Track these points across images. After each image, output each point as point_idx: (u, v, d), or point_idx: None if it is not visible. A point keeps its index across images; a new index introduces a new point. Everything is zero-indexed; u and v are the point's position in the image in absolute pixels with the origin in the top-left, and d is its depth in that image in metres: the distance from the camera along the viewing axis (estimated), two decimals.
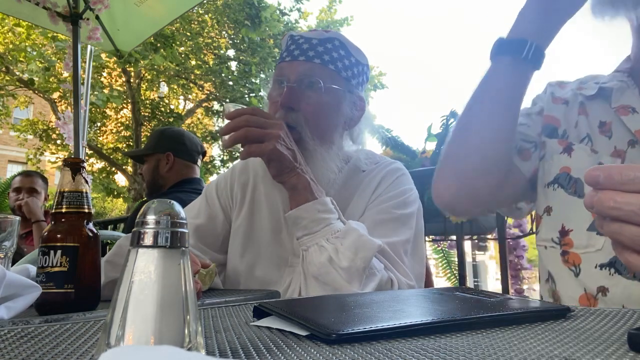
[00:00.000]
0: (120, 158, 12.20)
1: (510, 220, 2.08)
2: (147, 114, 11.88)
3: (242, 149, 0.95)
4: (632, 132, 0.80)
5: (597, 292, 0.76)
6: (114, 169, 12.08)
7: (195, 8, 9.94)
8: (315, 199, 0.95)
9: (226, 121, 0.95)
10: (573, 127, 0.87)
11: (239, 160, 1.15)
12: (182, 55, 11.28)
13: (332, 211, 0.95)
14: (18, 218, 0.79)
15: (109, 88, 10.92)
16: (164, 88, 13.50)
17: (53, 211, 0.68)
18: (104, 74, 11.36)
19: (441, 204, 0.91)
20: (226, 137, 0.93)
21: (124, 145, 12.34)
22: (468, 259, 2.40)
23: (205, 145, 13.29)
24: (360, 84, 1.14)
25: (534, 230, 0.89)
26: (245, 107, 0.97)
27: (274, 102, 1.07)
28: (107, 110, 12.15)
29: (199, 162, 2.33)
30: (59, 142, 11.26)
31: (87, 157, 7.34)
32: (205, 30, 11.71)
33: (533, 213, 0.97)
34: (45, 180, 3.09)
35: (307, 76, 1.05)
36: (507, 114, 0.82)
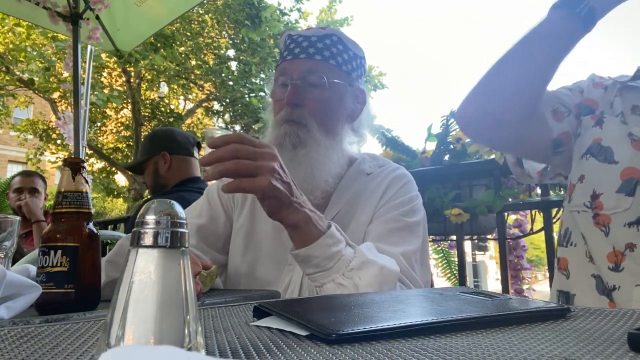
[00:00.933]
0: (120, 158, 12.20)
1: (510, 220, 2.08)
2: (147, 114, 11.87)
3: (225, 180, 0.82)
4: None
5: (625, 249, 0.84)
6: (114, 169, 12.08)
7: (195, 8, 9.93)
8: (321, 233, 0.87)
9: (207, 149, 0.83)
10: (609, 108, 0.95)
11: None
12: (182, 55, 11.28)
13: (341, 239, 0.89)
14: (18, 218, 0.79)
15: (109, 88, 10.91)
16: (164, 88, 13.50)
17: (53, 211, 0.68)
18: (104, 74, 11.35)
19: (463, 124, 1.01)
20: (209, 168, 0.80)
21: (124, 145, 12.34)
22: (468, 259, 2.39)
23: (204, 145, 13.26)
24: (359, 76, 1.16)
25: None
26: (230, 133, 0.86)
27: (278, 101, 1.09)
28: (107, 110, 12.15)
29: (197, 154, 2.33)
30: (59, 142, 11.26)
31: (87, 157, 7.34)
32: (206, 30, 11.71)
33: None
34: (44, 180, 3.10)
35: (309, 73, 1.07)
36: (548, 58, 0.89)
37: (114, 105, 11.22)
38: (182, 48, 11.31)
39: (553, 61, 0.90)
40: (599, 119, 0.94)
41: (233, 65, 12.03)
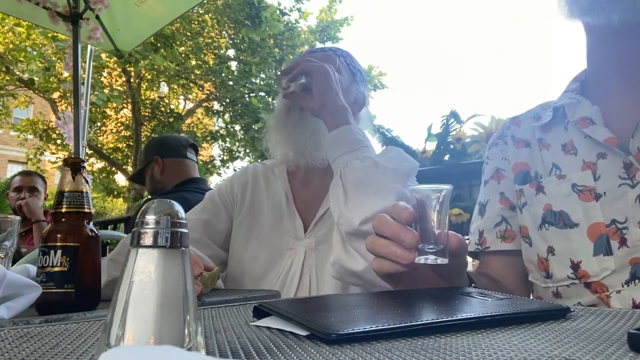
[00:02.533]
0: (120, 158, 12.20)
1: None
2: (147, 113, 11.88)
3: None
4: (600, 143, 0.79)
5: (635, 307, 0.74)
6: (114, 168, 12.08)
7: (196, 8, 9.92)
8: (352, 123, 1.02)
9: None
10: (540, 164, 0.88)
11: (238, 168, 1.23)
12: (182, 55, 11.28)
13: (368, 140, 1.02)
14: (18, 218, 0.79)
15: (109, 88, 10.91)
16: (164, 88, 13.49)
17: (53, 211, 0.68)
18: (104, 74, 11.35)
19: None
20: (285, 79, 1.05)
21: (124, 145, 12.34)
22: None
23: (205, 145, 13.37)
24: (362, 84, 1.26)
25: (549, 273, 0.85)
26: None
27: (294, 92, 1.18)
28: (107, 110, 12.15)
29: (192, 156, 2.35)
30: (59, 142, 11.25)
31: (87, 157, 7.33)
32: (206, 30, 11.71)
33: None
34: (44, 180, 3.10)
35: (323, 59, 1.14)
36: None
37: (114, 105, 11.22)
38: (182, 48, 11.31)
39: None
40: (538, 185, 0.85)
41: (233, 65, 12.04)
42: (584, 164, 0.80)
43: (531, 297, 0.91)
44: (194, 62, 11.84)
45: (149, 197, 2.79)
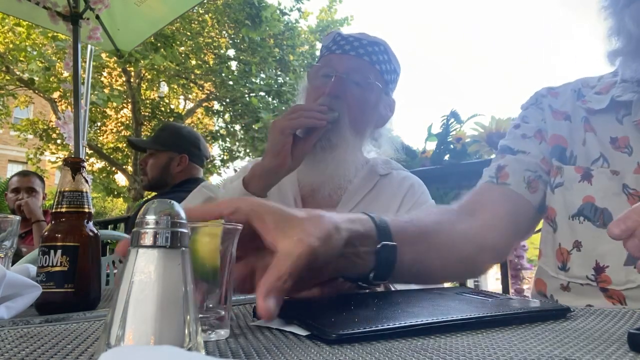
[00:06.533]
0: (120, 158, 12.20)
1: None
2: (147, 113, 11.88)
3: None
4: None
5: None
6: (114, 168, 12.09)
7: (196, 8, 9.92)
8: None
9: None
10: (581, 145, 0.81)
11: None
12: (182, 55, 11.29)
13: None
14: (18, 218, 0.79)
15: (109, 88, 10.92)
16: (164, 88, 13.50)
17: (53, 211, 0.68)
18: (104, 74, 11.35)
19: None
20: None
21: (124, 145, 12.34)
22: None
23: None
24: (393, 89, 1.22)
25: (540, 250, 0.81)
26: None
27: (317, 89, 1.12)
28: (107, 110, 12.15)
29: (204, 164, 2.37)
30: (59, 141, 11.26)
31: (87, 157, 7.33)
32: (206, 30, 11.71)
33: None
34: (42, 179, 3.09)
35: (356, 70, 1.10)
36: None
37: (114, 105, 11.23)
38: (182, 48, 11.32)
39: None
40: (586, 172, 0.78)
41: (233, 65, 12.04)
42: (638, 167, 0.74)
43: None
44: (194, 62, 11.84)
45: (149, 197, 2.79)
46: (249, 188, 1.04)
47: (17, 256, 1.07)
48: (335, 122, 1.06)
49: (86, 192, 0.69)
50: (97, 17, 2.60)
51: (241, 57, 11.66)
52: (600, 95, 0.83)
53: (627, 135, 0.77)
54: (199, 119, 13.46)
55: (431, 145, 2.15)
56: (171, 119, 11.83)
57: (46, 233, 0.66)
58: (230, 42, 11.99)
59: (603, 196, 0.75)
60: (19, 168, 18.15)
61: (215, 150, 12.97)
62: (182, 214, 0.34)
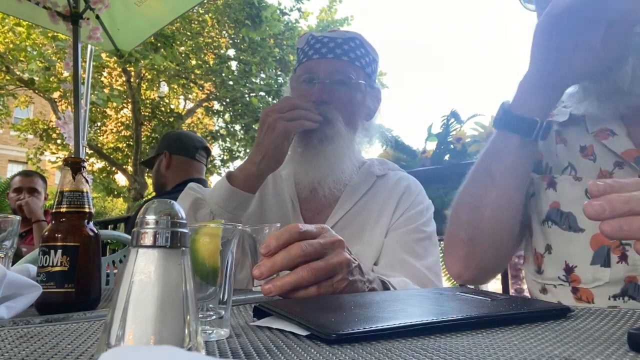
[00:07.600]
0: (120, 158, 12.20)
1: None
2: (147, 113, 11.88)
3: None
4: (617, 155, 0.77)
5: None
6: (114, 168, 12.08)
7: (196, 8, 9.92)
8: None
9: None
10: (555, 157, 0.85)
11: None
12: (182, 55, 11.28)
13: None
14: (18, 218, 0.79)
15: (109, 88, 10.91)
16: (164, 88, 13.50)
17: (53, 211, 0.68)
18: (104, 74, 11.35)
19: (451, 275, 0.91)
20: (270, 285, 0.66)
21: (124, 145, 12.34)
22: None
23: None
24: (375, 79, 1.22)
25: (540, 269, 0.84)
26: (276, 225, 0.83)
27: (302, 96, 1.13)
28: (107, 110, 12.15)
29: (201, 159, 2.35)
30: (59, 141, 11.25)
31: (87, 157, 7.33)
32: (206, 30, 11.71)
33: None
34: (44, 179, 3.09)
35: (337, 73, 1.11)
36: (518, 194, 0.79)
37: (114, 104, 11.22)
38: (182, 48, 11.31)
39: (523, 188, 0.80)
40: (551, 181, 0.82)
41: (233, 65, 12.04)
42: (601, 172, 0.78)
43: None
44: (194, 62, 11.84)
45: (149, 197, 2.81)
46: (244, 187, 1.04)
47: (17, 256, 1.07)
48: (329, 121, 1.07)
49: (86, 192, 0.69)
50: (97, 17, 2.60)
51: (241, 57, 11.65)
52: (565, 108, 0.88)
53: (592, 143, 0.82)
54: (199, 119, 13.45)
55: (431, 145, 2.15)
56: (171, 119, 11.84)
57: (46, 233, 0.66)
58: (230, 42, 11.99)
59: (567, 201, 0.80)
60: (19, 168, 18.15)
61: (215, 150, 12.98)
62: (182, 214, 0.34)
